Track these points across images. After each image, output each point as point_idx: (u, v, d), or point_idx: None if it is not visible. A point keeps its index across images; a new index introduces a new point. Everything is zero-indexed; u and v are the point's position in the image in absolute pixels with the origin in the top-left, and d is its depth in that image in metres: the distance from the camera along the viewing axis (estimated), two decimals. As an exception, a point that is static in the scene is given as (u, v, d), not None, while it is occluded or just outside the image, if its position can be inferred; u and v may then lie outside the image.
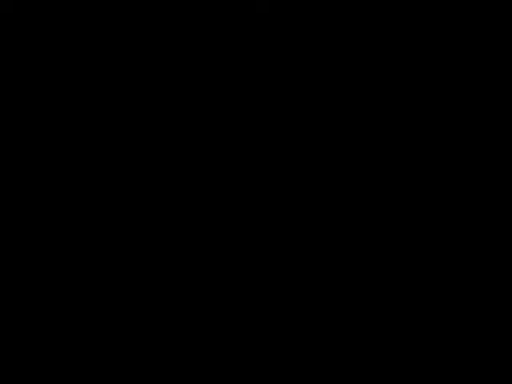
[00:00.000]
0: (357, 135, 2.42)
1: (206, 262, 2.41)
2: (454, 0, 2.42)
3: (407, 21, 2.42)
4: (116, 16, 2.43)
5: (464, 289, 2.38)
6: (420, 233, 2.40)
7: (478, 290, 2.37)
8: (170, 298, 2.40)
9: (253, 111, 2.43)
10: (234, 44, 2.42)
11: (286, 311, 2.39)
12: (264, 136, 2.43)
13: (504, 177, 2.39)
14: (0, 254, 2.40)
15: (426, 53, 2.42)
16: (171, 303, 2.40)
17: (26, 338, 2.38)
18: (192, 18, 2.43)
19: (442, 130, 2.42)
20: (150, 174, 2.43)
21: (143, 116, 2.44)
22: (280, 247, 2.41)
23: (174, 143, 2.43)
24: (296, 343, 2.38)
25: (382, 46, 2.42)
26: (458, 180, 2.41)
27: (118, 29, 2.43)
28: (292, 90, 2.43)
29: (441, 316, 2.38)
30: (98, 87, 2.44)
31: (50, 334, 2.38)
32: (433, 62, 2.43)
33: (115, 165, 2.43)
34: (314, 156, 2.42)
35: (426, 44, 2.42)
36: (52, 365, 2.37)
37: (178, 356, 2.38)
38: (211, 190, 2.43)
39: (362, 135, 2.42)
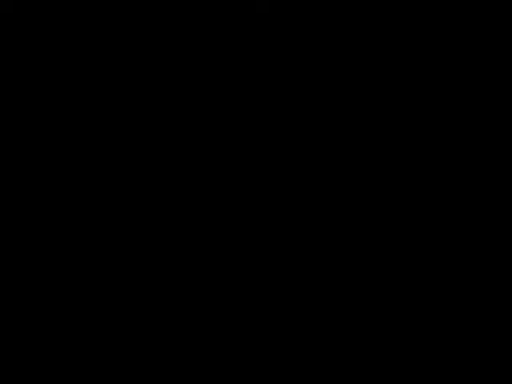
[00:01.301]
0: (356, 135, 2.42)
1: (206, 262, 2.41)
2: (454, 0, 2.42)
3: (407, 21, 2.42)
4: (116, 16, 2.43)
5: (464, 289, 2.38)
6: (420, 233, 2.40)
7: (478, 289, 2.38)
8: (170, 298, 2.40)
9: (253, 111, 2.43)
10: (234, 44, 2.42)
11: (286, 311, 2.39)
12: (264, 136, 2.43)
13: (504, 177, 2.39)
14: (0, 253, 2.40)
15: (425, 53, 2.42)
16: (171, 303, 2.40)
17: (26, 338, 2.38)
18: (192, 18, 2.43)
19: (441, 129, 2.42)
20: (149, 174, 2.43)
21: (143, 116, 2.44)
22: (279, 247, 2.41)
23: (174, 143, 2.43)
24: (296, 343, 2.38)
25: (382, 45, 2.42)
26: (457, 180, 2.41)
27: (118, 29, 2.43)
28: (292, 89, 2.43)
29: (440, 316, 2.38)
30: (98, 87, 2.44)
31: (50, 334, 2.38)
32: (433, 62, 2.43)
33: (115, 165, 2.43)
34: (313, 156, 2.42)
35: (426, 44, 2.42)
36: (52, 365, 2.38)
37: (178, 356, 2.38)
38: (211, 190, 2.43)
39: (361, 135, 2.42)
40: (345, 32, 2.42)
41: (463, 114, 2.42)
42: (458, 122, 2.42)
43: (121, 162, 2.43)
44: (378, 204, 2.41)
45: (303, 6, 2.42)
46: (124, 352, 2.38)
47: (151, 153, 2.43)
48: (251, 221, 2.42)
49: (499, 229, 2.39)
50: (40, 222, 2.41)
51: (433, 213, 2.40)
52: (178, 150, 2.43)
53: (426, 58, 2.42)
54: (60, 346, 2.38)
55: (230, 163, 2.43)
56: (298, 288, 2.40)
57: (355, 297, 2.38)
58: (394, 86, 2.42)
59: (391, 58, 2.42)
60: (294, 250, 2.40)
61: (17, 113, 2.43)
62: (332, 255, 2.40)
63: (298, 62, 2.43)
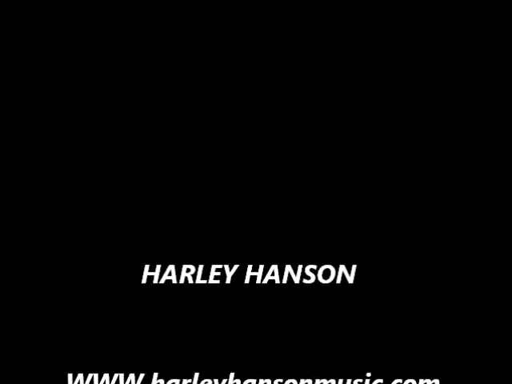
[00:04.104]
0: (356, 135, 2.42)
1: (205, 261, 2.42)
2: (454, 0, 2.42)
3: (407, 21, 2.42)
4: (116, 16, 2.43)
5: (464, 288, 2.39)
6: (419, 232, 2.40)
7: (478, 289, 2.39)
8: (169, 297, 2.40)
9: (253, 110, 2.44)
10: (234, 43, 2.42)
11: (286, 311, 2.40)
12: (263, 135, 2.43)
13: (504, 177, 2.40)
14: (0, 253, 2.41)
15: (425, 53, 2.42)
16: (170, 302, 2.41)
17: (26, 337, 2.39)
18: (192, 18, 2.43)
19: (441, 130, 2.43)
20: (149, 173, 2.43)
21: (143, 116, 2.44)
22: (279, 246, 2.42)
23: (174, 143, 2.43)
24: (296, 343, 2.39)
25: (381, 45, 2.42)
26: (457, 180, 2.41)
27: (117, 28, 2.43)
28: (291, 89, 2.43)
29: (440, 315, 2.39)
30: (98, 87, 2.44)
31: (50, 333, 2.39)
32: (432, 62, 2.43)
33: (115, 164, 2.43)
34: (313, 155, 2.43)
35: (426, 44, 2.42)
36: (51, 364, 2.39)
37: (178, 356, 2.39)
38: (210, 189, 2.43)
39: (361, 135, 2.42)
40: (344, 32, 2.42)
41: (463, 113, 2.43)
42: (457, 122, 2.42)
43: (120, 161, 2.43)
44: (377, 203, 2.41)
45: (303, 6, 2.42)
46: (123, 350, 2.39)
47: (151, 152, 2.44)
48: (250, 219, 2.42)
49: (499, 226, 2.40)
50: (39, 220, 2.42)
51: (432, 212, 2.41)
52: (177, 150, 2.44)
53: (425, 58, 2.43)
54: (59, 345, 2.39)
55: (229, 162, 2.43)
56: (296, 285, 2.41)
57: (354, 295, 2.39)
58: (393, 86, 2.43)
59: (390, 58, 2.43)
60: (292, 246, 2.41)
61: (17, 112, 2.43)
62: (330, 253, 2.41)
63: (298, 61, 2.43)
